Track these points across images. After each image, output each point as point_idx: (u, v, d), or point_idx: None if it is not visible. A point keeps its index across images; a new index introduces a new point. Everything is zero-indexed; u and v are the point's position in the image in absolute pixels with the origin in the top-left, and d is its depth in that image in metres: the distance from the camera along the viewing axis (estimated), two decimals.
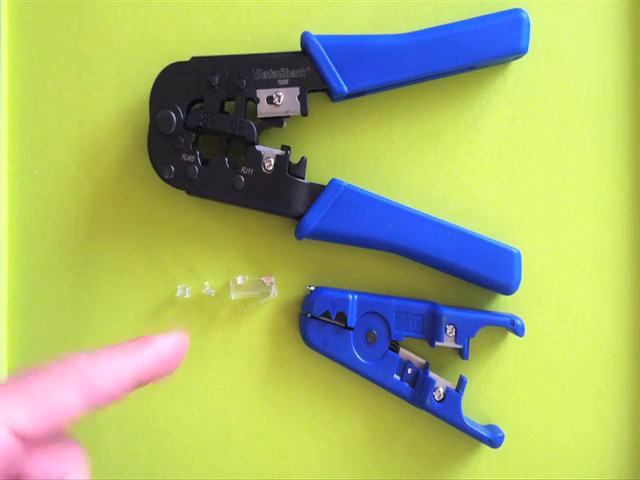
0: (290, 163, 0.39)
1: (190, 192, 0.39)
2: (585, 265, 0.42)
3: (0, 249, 0.41)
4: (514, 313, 0.41)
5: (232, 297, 0.41)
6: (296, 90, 0.38)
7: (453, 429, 0.40)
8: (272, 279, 0.40)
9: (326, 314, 0.40)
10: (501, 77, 0.42)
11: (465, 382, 0.40)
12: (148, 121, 0.39)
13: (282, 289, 0.41)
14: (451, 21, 0.40)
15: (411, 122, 0.42)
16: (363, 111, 0.42)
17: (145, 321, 0.41)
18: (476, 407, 0.42)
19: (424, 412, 0.40)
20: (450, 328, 0.39)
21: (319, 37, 0.38)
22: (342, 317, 0.40)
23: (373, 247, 0.40)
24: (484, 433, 0.39)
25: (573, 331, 0.42)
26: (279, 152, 0.39)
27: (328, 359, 0.40)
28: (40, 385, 0.24)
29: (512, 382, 0.42)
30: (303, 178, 0.39)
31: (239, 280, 0.40)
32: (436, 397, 0.39)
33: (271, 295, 0.41)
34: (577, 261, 0.42)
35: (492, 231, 0.41)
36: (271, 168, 0.39)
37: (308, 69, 0.38)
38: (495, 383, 0.42)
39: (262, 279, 0.41)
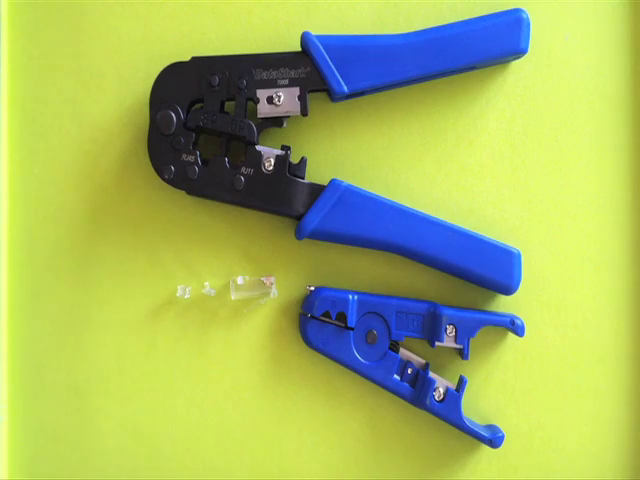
0: (290, 163, 0.39)
1: (190, 192, 0.39)
2: (585, 265, 0.42)
3: (0, 249, 0.41)
4: (514, 313, 0.41)
5: (232, 297, 0.41)
6: (296, 90, 0.38)
7: (453, 429, 0.40)
8: (272, 279, 0.40)
9: (326, 314, 0.40)
10: (501, 77, 0.42)
11: (465, 382, 0.40)
12: (148, 121, 0.39)
13: (282, 289, 0.41)
14: (451, 21, 0.40)
15: (411, 122, 0.42)
16: (363, 111, 0.42)
17: (145, 321, 0.41)
18: (476, 407, 0.42)
19: (424, 412, 0.40)
20: (450, 328, 0.39)
21: (319, 37, 0.38)
22: (342, 317, 0.40)
23: (373, 247, 0.40)
24: (484, 433, 0.39)
25: (573, 331, 0.42)
26: (279, 152, 0.39)
27: (328, 359, 0.40)
28: None
29: (512, 382, 0.42)
30: (303, 178, 0.39)
31: (239, 280, 0.40)
32: (436, 397, 0.39)
33: (271, 295, 0.41)
34: (577, 261, 0.42)
35: (492, 231, 0.41)
36: (271, 168, 0.39)
37: (308, 69, 0.38)
38: (495, 383, 0.42)
39: (262, 279, 0.41)
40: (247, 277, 0.41)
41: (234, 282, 0.40)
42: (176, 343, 0.41)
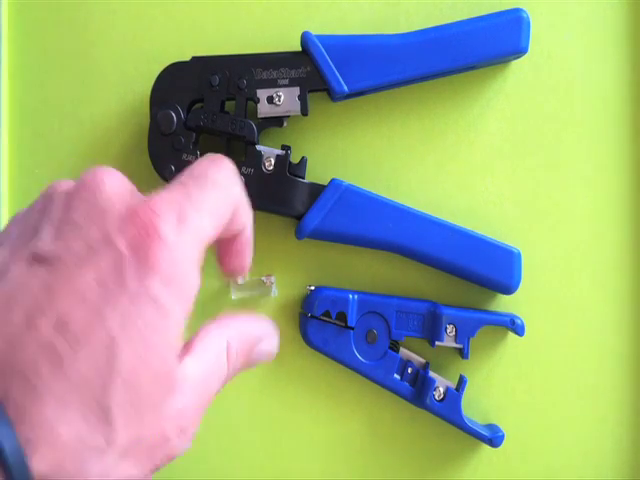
0: (290, 163, 0.39)
1: None
2: (585, 265, 0.42)
3: None
4: (514, 313, 0.41)
5: (232, 297, 0.41)
6: (296, 90, 0.39)
7: (453, 429, 0.40)
8: (272, 279, 0.40)
9: (326, 314, 0.40)
10: (501, 77, 0.42)
11: (465, 382, 0.40)
12: (148, 121, 0.39)
13: (282, 289, 0.41)
14: (451, 21, 0.40)
15: (411, 122, 0.42)
16: (363, 111, 0.42)
17: None
18: (476, 406, 0.42)
19: (424, 412, 0.40)
20: (450, 328, 0.39)
21: (319, 37, 0.38)
22: (342, 317, 0.40)
23: (373, 247, 0.40)
24: (484, 432, 0.39)
25: (573, 331, 0.42)
26: (279, 152, 0.39)
27: (328, 359, 0.40)
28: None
29: (512, 382, 0.42)
30: (303, 178, 0.39)
31: (239, 280, 0.40)
32: (436, 396, 0.39)
33: (271, 294, 0.41)
34: (577, 261, 0.42)
35: (492, 231, 0.41)
36: (271, 168, 0.39)
37: (308, 69, 0.38)
38: (495, 383, 0.42)
39: (262, 279, 0.41)
40: (247, 277, 0.41)
41: (234, 282, 0.40)
42: None
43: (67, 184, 0.27)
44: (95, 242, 0.23)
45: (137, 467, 0.24)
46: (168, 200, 0.25)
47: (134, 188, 0.27)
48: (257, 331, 0.31)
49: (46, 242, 0.23)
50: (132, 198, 0.25)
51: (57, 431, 0.21)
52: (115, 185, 0.26)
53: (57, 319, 0.22)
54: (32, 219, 0.26)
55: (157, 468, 0.25)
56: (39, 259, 0.23)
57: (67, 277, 0.22)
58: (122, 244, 0.23)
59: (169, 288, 0.24)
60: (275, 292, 0.41)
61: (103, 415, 0.22)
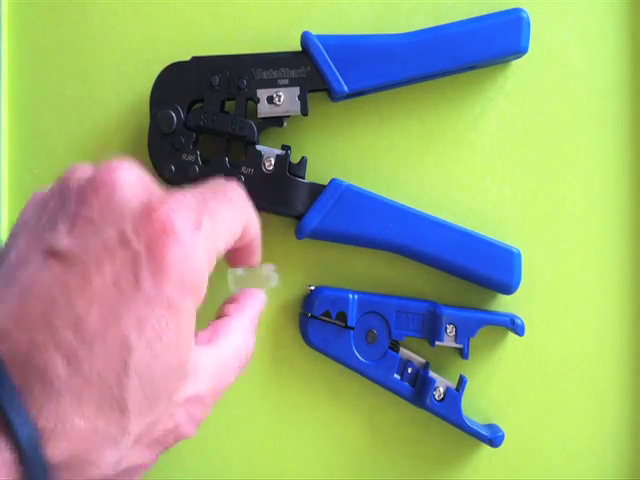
0: (290, 163, 0.39)
1: None
2: (585, 265, 0.42)
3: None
4: (514, 313, 0.41)
5: (231, 289, 0.40)
6: (296, 90, 0.39)
7: (453, 429, 0.40)
8: (272, 267, 0.39)
9: (326, 313, 0.40)
10: (501, 77, 0.42)
11: (465, 381, 0.40)
12: (148, 121, 0.39)
13: (282, 288, 0.41)
14: (451, 21, 0.40)
15: (411, 122, 0.42)
16: (363, 111, 0.42)
17: None
18: (476, 406, 0.42)
19: (424, 412, 0.40)
20: (450, 328, 0.39)
21: (319, 37, 0.38)
22: (342, 316, 0.40)
23: (373, 246, 0.40)
24: (484, 432, 0.39)
25: (573, 331, 0.42)
26: (279, 152, 0.39)
27: (328, 359, 0.40)
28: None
29: (512, 381, 0.42)
30: (303, 178, 0.39)
31: (239, 272, 0.39)
32: (436, 396, 0.39)
33: (272, 284, 0.40)
34: (577, 261, 0.42)
35: (492, 231, 0.41)
36: (271, 168, 0.39)
37: (308, 69, 0.38)
38: (495, 383, 0.42)
39: (263, 266, 0.39)
40: (247, 269, 0.39)
41: (234, 273, 0.39)
42: None
43: (84, 171, 0.27)
44: (111, 242, 0.23)
45: (148, 452, 0.25)
46: (185, 203, 0.26)
47: (151, 181, 0.27)
48: (261, 307, 0.33)
49: (62, 237, 0.24)
50: (148, 193, 0.26)
51: (73, 423, 0.21)
52: (131, 181, 0.26)
53: (73, 318, 0.22)
54: (48, 207, 0.26)
55: (165, 450, 0.26)
56: (55, 254, 0.23)
57: (83, 276, 0.23)
58: (137, 243, 0.23)
59: (182, 288, 0.24)
60: (276, 282, 0.39)
61: (118, 408, 0.22)
